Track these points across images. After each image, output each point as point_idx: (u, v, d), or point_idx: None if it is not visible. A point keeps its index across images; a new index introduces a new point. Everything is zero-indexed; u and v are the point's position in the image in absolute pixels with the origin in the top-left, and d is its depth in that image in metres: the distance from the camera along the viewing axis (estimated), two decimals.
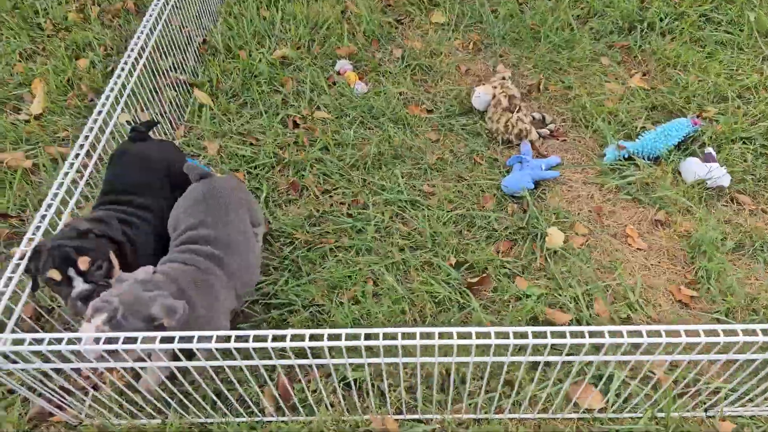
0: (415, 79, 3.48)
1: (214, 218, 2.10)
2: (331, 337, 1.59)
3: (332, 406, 2.02)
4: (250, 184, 2.88)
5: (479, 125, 3.14)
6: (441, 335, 1.62)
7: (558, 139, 3.06)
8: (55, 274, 1.73)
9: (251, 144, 3.11)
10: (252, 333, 1.60)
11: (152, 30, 2.93)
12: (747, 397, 1.94)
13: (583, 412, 1.98)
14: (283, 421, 2.01)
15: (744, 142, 2.85)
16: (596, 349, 2.06)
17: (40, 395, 1.87)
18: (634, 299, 2.28)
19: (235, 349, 1.58)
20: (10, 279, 1.81)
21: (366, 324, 2.29)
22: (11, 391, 2.11)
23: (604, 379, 1.96)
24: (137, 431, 2.01)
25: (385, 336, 1.60)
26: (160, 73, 3.00)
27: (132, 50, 2.75)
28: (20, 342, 1.61)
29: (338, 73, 3.53)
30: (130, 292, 1.64)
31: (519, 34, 3.68)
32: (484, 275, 2.37)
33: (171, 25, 3.17)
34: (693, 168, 2.65)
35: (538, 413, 1.97)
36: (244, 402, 2.01)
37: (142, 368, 1.98)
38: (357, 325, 2.29)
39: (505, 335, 1.57)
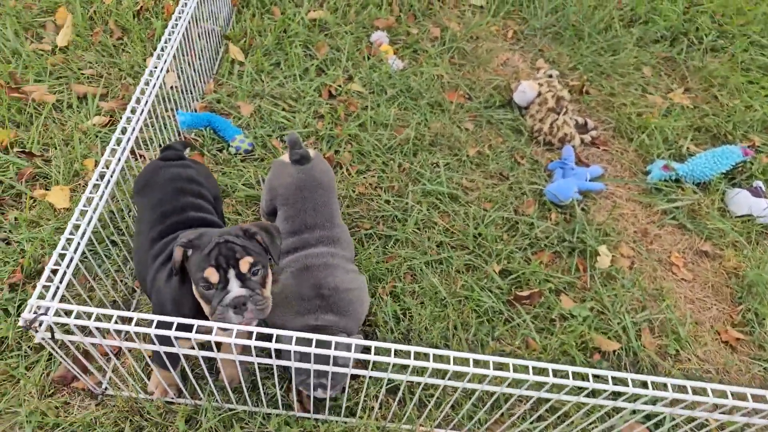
0: (453, 62, 3.00)
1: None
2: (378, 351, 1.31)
3: (370, 410, 1.65)
4: (282, 154, 2.40)
5: (519, 122, 2.71)
6: (476, 363, 1.29)
7: (599, 148, 2.67)
8: (213, 276, 1.27)
9: (284, 110, 2.60)
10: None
11: None
12: None
13: None
14: (318, 420, 1.63)
15: None
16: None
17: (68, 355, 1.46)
18: (684, 335, 1.96)
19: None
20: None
21: (407, 323, 1.90)
22: (37, 350, 1.68)
23: (654, 421, 1.66)
24: (166, 410, 1.60)
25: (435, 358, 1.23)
26: (193, 21, 2.43)
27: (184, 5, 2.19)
28: (68, 313, 1.27)
29: (372, 45, 3.00)
30: None
31: (561, 30, 3.22)
32: (535, 291, 2.00)
33: None
34: (746, 201, 2.31)
35: None
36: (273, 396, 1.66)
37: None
38: (397, 321, 1.90)
39: (565, 374, 1.29)
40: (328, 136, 2.50)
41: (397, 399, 1.65)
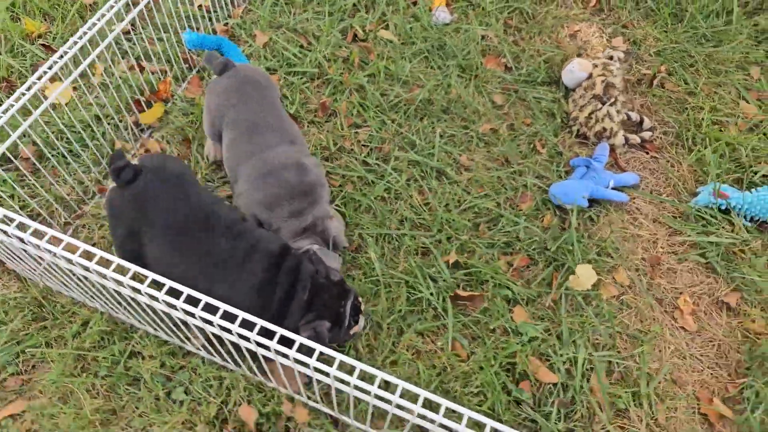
0: (509, 24, 2.79)
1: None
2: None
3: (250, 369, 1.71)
4: (282, 92, 2.45)
5: (558, 105, 2.48)
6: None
7: (648, 153, 2.36)
8: None
9: (301, 46, 2.64)
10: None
11: None
12: None
13: None
14: (202, 359, 1.73)
15: None
16: None
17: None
18: (645, 392, 1.72)
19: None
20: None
21: None
22: None
23: None
24: (69, 311, 1.80)
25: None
26: None
27: None
28: None
29: None
30: None
31: (659, 5, 2.84)
32: (477, 294, 1.88)
33: None
34: None
35: None
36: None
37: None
38: None
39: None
40: (335, 81, 2.50)
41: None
